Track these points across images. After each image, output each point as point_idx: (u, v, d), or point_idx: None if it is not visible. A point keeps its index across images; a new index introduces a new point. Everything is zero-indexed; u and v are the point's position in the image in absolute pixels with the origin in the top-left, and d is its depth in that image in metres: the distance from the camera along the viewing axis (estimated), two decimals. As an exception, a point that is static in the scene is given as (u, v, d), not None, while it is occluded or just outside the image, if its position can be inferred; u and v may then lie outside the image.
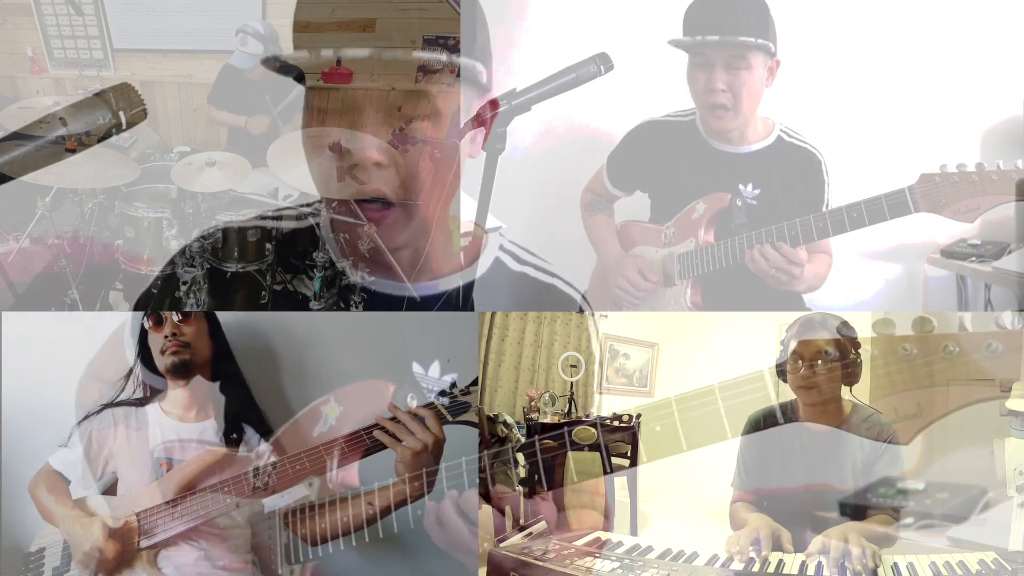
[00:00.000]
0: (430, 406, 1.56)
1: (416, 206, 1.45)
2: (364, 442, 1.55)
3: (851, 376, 1.49)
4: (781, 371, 1.53)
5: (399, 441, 1.51)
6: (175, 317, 1.69)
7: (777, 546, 1.49)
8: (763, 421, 1.54)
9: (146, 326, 1.72)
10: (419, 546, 1.58)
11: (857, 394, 1.52)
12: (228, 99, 3.39)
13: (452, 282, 1.57)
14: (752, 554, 1.47)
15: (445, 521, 1.50)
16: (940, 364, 1.35)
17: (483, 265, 1.59)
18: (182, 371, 1.70)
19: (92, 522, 1.63)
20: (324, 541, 1.59)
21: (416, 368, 1.62)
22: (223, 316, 1.73)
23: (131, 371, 1.75)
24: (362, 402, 1.64)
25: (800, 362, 1.52)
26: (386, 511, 1.54)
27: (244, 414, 1.71)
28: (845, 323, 1.53)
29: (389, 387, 1.62)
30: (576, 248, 2.58)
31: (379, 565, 1.68)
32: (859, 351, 1.46)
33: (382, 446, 1.53)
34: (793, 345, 1.56)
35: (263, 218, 1.68)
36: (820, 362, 1.50)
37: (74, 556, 1.64)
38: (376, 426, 1.54)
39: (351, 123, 1.40)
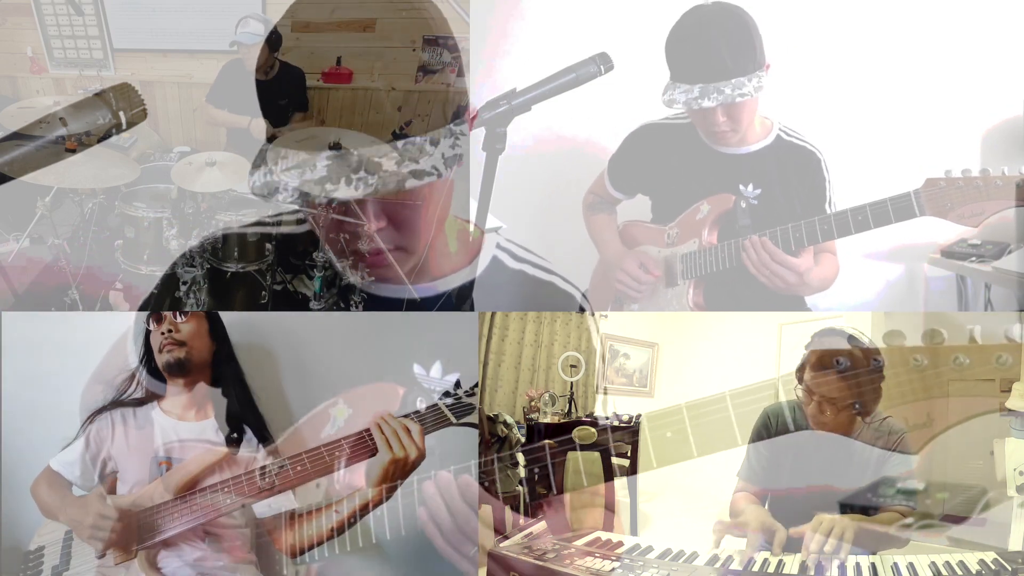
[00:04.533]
0: (434, 408, 1.55)
1: (417, 209, 1.45)
2: (368, 445, 1.54)
3: (867, 413, 1.47)
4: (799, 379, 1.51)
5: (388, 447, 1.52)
6: (174, 316, 1.69)
7: (768, 546, 1.49)
8: (776, 419, 1.53)
9: (149, 327, 1.72)
10: (422, 548, 1.58)
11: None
12: (229, 98, 3.38)
13: (451, 282, 1.56)
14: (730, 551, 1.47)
15: (447, 497, 1.50)
16: (950, 375, 1.36)
17: (481, 264, 1.59)
18: (178, 369, 1.70)
19: (88, 499, 1.64)
20: (303, 552, 1.60)
21: (417, 369, 1.61)
22: (224, 316, 1.73)
23: (133, 374, 1.74)
24: (371, 405, 1.62)
25: (814, 397, 1.50)
26: (352, 518, 1.55)
27: (245, 417, 1.71)
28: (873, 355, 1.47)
29: (399, 390, 1.61)
30: (576, 248, 2.57)
31: (381, 565, 1.67)
32: (881, 385, 1.43)
33: None
34: (809, 378, 1.52)
35: (262, 224, 1.68)
36: (836, 404, 1.48)
37: (80, 536, 1.63)
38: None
39: (350, 125, 1.40)
